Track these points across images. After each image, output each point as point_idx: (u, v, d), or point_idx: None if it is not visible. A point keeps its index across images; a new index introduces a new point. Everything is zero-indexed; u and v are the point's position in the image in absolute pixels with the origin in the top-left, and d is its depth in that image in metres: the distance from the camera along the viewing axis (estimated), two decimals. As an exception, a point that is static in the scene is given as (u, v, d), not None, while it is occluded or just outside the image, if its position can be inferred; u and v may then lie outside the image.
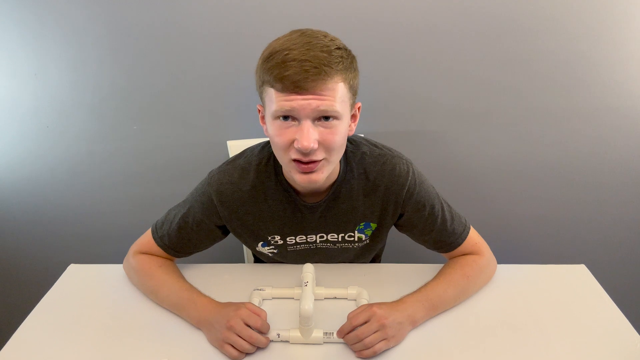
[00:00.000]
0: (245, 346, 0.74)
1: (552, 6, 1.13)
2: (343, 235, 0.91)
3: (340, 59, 0.68)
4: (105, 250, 1.53)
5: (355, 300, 0.87)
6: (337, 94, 0.69)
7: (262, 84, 0.72)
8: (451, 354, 0.76)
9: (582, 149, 1.33)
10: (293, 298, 0.88)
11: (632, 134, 1.30)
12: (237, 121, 1.30)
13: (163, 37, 1.18)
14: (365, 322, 0.75)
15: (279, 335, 0.78)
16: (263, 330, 0.77)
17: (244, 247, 1.35)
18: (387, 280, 0.93)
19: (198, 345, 0.79)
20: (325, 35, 0.70)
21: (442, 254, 0.94)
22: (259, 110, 0.79)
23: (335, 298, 0.88)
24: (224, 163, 0.89)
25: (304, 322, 0.75)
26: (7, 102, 1.27)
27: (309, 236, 0.91)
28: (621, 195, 1.40)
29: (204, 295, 0.84)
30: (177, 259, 0.96)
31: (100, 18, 1.15)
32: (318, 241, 0.92)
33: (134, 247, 0.94)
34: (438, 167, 1.36)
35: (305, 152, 0.70)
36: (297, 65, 0.65)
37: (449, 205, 0.91)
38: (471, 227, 0.92)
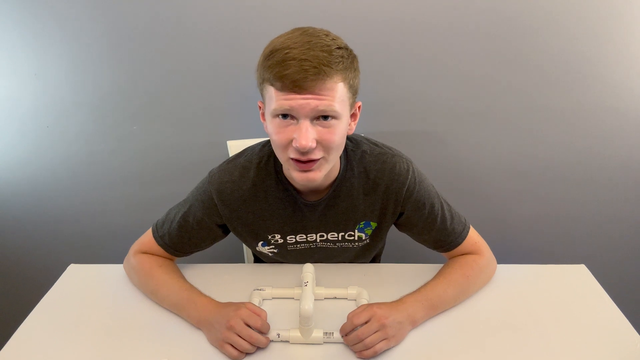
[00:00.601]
0: (246, 346, 0.74)
1: (552, 6, 1.13)
2: (343, 234, 0.91)
3: (341, 59, 0.68)
4: (105, 250, 1.53)
5: (355, 300, 0.87)
6: (336, 94, 0.69)
7: (262, 82, 0.72)
8: (451, 354, 0.76)
9: (582, 149, 1.33)
10: (293, 298, 0.88)
11: (633, 133, 1.30)
12: (237, 121, 1.30)
13: (163, 37, 1.18)
14: (366, 322, 0.75)
15: (279, 335, 0.78)
16: (263, 330, 0.77)
17: (244, 247, 1.35)
18: (387, 280, 0.93)
19: (198, 345, 0.79)
20: (327, 34, 0.70)
21: (441, 253, 0.94)
22: (260, 107, 0.79)
23: (335, 298, 0.88)
24: (224, 162, 0.89)
25: (304, 322, 0.75)
26: (7, 102, 1.27)
27: (309, 235, 0.91)
28: (621, 195, 1.40)
29: (204, 295, 0.84)
30: (177, 259, 0.96)
31: (100, 18, 1.15)
32: (318, 240, 0.92)
33: (135, 247, 0.94)
34: (438, 167, 1.36)
35: (303, 151, 0.70)
36: (296, 64, 0.66)
37: (448, 205, 0.91)
38: (471, 226, 0.92)
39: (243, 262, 1.39)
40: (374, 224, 0.90)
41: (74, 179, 1.40)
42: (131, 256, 0.93)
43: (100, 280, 0.95)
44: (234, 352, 0.74)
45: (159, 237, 0.91)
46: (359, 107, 0.80)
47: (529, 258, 1.53)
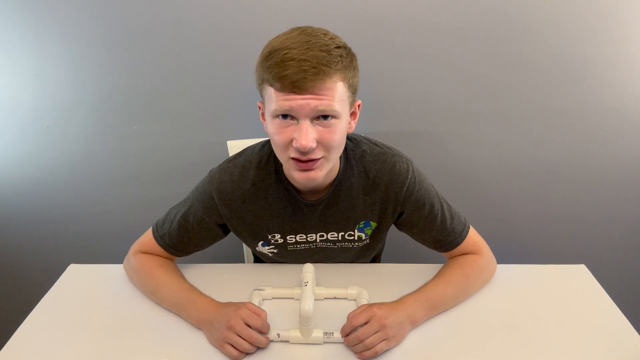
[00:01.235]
0: (246, 346, 0.74)
1: (552, 6, 1.13)
2: (343, 233, 0.91)
3: (340, 58, 0.68)
4: (105, 250, 1.53)
5: (355, 300, 0.87)
6: (335, 94, 0.69)
7: (261, 82, 0.72)
8: (451, 354, 0.76)
9: (582, 149, 1.33)
10: (293, 298, 0.88)
11: (633, 134, 1.30)
12: (237, 121, 1.30)
13: (163, 37, 1.18)
14: (366, 323, 0.75)
15: (279, 335, 0.78)
16: (263, 330, 0.77)
17: (244, 247, 1.35)
18: (387, 280, 0.93)
19: (198, 345, 0.78)
20: (325, 34, 0.70)
21: (441, 253, 0.94)
22: (260, 107, 0.79)
23: (335, 298, 0.88)
24: (224, 161, 0.89)
25: (304, 322, 0.75)
26: (7, 102, 1.27)
27: (309, 235, 0.91)
28: (621, 195, 1.40)
29: (204, 295, 0.84)
30: (177, 259, 0.96)
31: (100, 18, 1.15)
32: (318, 240, 0.92)
33: (135, 247, 0.94)
34: (438, 167, 1.36)
35: (304, 151, 0.70)
36: (295, 64, 0.65)
37: (448, 205, 0.91)
38: (471, 226, 0.92)
39: (243, 262, 1.39)
40: (373, 224, 0.90)
41: (74, 179, 1.40)
42: (131, 256, 0.93)
43: (100, 280, 0.95)
44: (234, 352, 0.74)
45: (159, 237, 0.91)
46: (358, 106, 0.80)
47: (529, 258, 1.53)
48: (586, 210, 1.44)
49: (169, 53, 1.20)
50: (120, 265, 0.96)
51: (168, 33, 1.17)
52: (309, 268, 0.84)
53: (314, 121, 0.70)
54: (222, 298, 0.84)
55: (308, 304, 0.74)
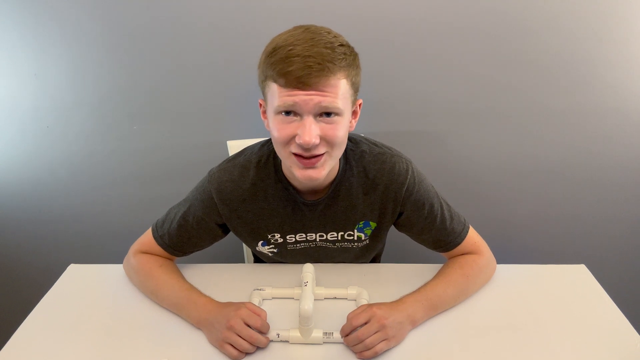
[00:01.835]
0: (245, 346, 0.74)
1: (552, 6, 1.13)
2: (342, 233, 0.91)
3: (344, 56, 0.69)
4: (105, 250, 1.53)
5: (355, 300, 0.87)
6: (339, 91, 0.69)
7: (264, 79, 0.72)
8: (451, 354, 0.76)
9: (582, 149, 1.33)
10: (293, 298, 0.88)
11: (633, 134, 1.30)
12: (237, 121, 1.30)
13: (163, 37, 1.18)
14: (366, 323, 0.75)
15: (278, 335, 0.78)
16: (263, 330, 0.77)
17: (244, 247, 1.35)
18: (387, 280, 0.93)
19: (198, 345, 0.79)
20: (329, 32, 0.70)
21: (441, 253, 0.94)
22: (261, 105, 0.79)
23: (335, 298, 0.88)
24: (224, 161, 0.89)
25: (304, 322, 0.75)
26: (7, 102, 1.27)
27: (308, 234, 0.91)
28: (621, 195, 1.40)
29: (204, 295, 0.84)
30: (177, 259, 0.96)
31: (100, 18, 1.15)
32: (318, 240, 0.92)
33: (135, 247, 0.94)
34: (438, 167, 1.36)
35: (307, 148, 0.70)
36: (300, 61, 0.66)
37: (448, 205, 0.91)
38: (470, 226, 0.92)
39: (243, 262, 1.39)
40: (373, 224, 0.90)
41: (74, 179, 1.40)
42: (131, 256, 0.93)
43: (100, 280, 0.95)
44: (234, 352, 0.74)
45: (158, 237, 0.91)
46: (359, 105, 0.80)
47: (529, 258, 1.53)
48: (586, 210, 1.44)
49: (169, 53, 1.20)
50: (120, 265, 0.96)
51: (168, 33, 1.17)
52: (308, 268, 0.84)
53: (317, 118, 0.70)
54: (222, 298, 0.84)
55: (308, 304, 0.74)
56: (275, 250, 0.94)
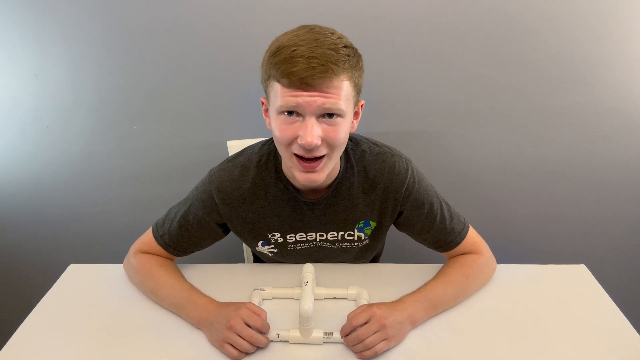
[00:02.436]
0: (246, 346, 0.74)
1: (552, 6, 1.13)
2: (342, 233, 0.91)
3: (347, 57, 0.69)
4: (105, 250, 1.53)
5: (355, 300, 0.87)
6: (342, 92, 0.69)
7: (267, 78, 0.72)
8: (451, 354, 0.76)
9: (582, 149, 1.33)
10: (293, 298, 0.88)
11: (633, 134, 1.30)
12: (237, 121, 1.30)
13: (163, 37, 1.18)
14: (366, 323, 0.75)
15: (278, 335, 0.78)
16: (263, 330, 0.77)
17: (244, 247, 1.35)
18: (387, 280, 0.93)
19: (198, 345, 0.79)
20: (333, 33, 0.70)
21: (441, 253, 0.94)
22: (263, 103, 0.79)
23: (335, 298, 0.88)
24: (224, 161, 0.89)
25: (304, 322, 0.75)
26: (7, 102, 1.27)
27: (309, 234, 0.91)
28: (621, 195, 1.40)
29: (204, 295, 0.84)
30: (177, 259, 0.96)
31: (100, 18, 1.15)
32: (318, 240, 0.92)
33: (135, 247, 0.94)
34: (438, 167, 1.36)
35: (308, 148, 0.70)
36: (304, 61, 0.66)
37: (447, 204, 0.91)
38: (470, 226, 0.92)
39: (243, 262, 1.39)
40: (373, 224, 0.90)
41: (74, 179, 1.40)
42: (131, 256, 0.93)
43: (100, 280, 0.95)
44: (234, 352, 0.74)
45: (159, 237, 0.91)
46: (361, 106, 0.80)
47: (529, 258, 1.53)
48: (586, 210, 1.44)
49: (169, 53, 1.20)
50: (120, 265, 0.96)
51: (168, 33, 1.17)
52: (308, 268, 0.84)
53: (319, 119, 0.70)
54: (222, 298, 0.84)
55: (308, 304, 0.74)
56: (275, 250, 0.94)
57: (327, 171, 0.76)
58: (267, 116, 0.78)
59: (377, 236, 0.93)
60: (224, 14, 1.15)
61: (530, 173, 1.38)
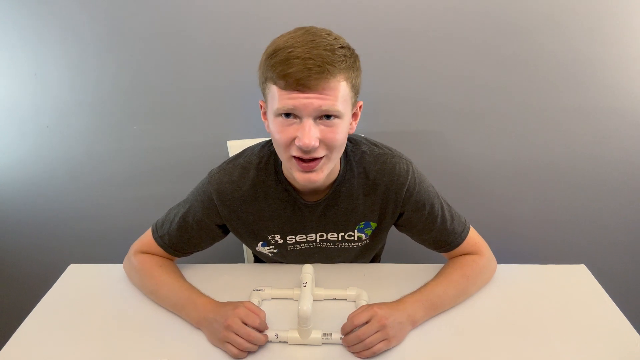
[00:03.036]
0: (244, 345, 0.74)
1: (552, 7, 1.13)
2: (343, 234, 0.91)
3: (344, 58, 0.68)
4: (105, 250, 1.53)
5: (355, 301, 0.87)
6: (339, 93, 0.69)
7: (264, 80, 0.72)
8: (451, 354, 0.76)
9: (582, 149, 1.33)
10: (292, 299, 0.88)
11: (632, 134, 1.30)
12: (237, 121, 1.30)
13: (163, 37, 1.18)
14: (366, 323, 0.75)
15: (277, 335, 0.78)
16: (261, 329, 0.77)
17: (244, 247, 1.35)
18: (387, 280, 0.93)
19: (198, 345, 0.79)
20: (329, 34, 0.70)
21: (442, 253, 0.94)
22: (261, 106, 0.79)
23: (335, 299, 0.88)
24: (224, 162, 0.89)
25: (303, 322, 0.75)
26: (7, 102, 1.27)
27: (309, 235, 0.91)
28: (621, 195, 1.40)
29: (204, 295, 0.84)
30: (177, 259, 0.96)
31: (100, 18, 1.15)
32: (318, 240, 0.92)
33: (135, 247, 0.94)
34: (438, 167, 1.36)
35: (306, 150, 0.70)
36: (300, 63, 0.65)
37: (448, 205, 0.91)
38: (471, 226, 0.92)
39: (243, 262, 1.39)
40: (373, 225, 0.90)
41: (74, 179, 1.40)
42: (131, 256, 0.93)
43: (100, 280, 0.95)
44: (235, 351, 0.74)
45: (158, 237, 0.91)
46: (360, 107, 0.80)
47: (529, 258, 1.53)
48: (586, 210, 1.44)
49: (170, 53, 1.20)
50: (120, 265, 0.96)
51: (168, 33, 1.17)
52: (308, 269, 0.84)
53: (317, 120, 0.70)
54: (222, 298, 0.84)
55: (306, 305, 0.74)
56: (275, 251, 0.94)
57: (326, 171, 0.75)
58: (266, 119, 0.78)
59: (377, 236, 0.93)
60: (225, 14, 1.15)
61: (530, 173, 1.38)
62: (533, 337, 0.79)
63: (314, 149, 0.70)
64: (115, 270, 0.97)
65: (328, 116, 0.70)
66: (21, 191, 1.43)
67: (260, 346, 0.77)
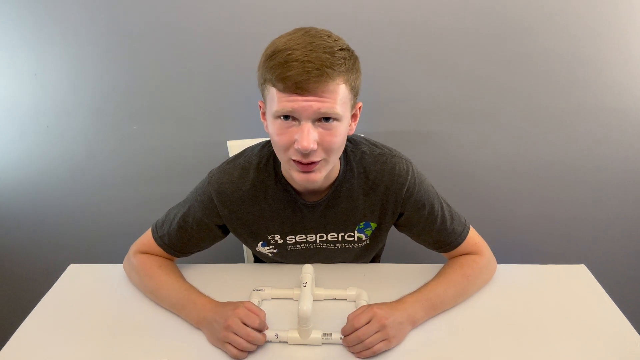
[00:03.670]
0: (244, 345, 0.74)
1: (552, 6, 1.13)
2: (343, 234, 0.91)
3: (343, 61, 0.68)
4: (105, 250, 1.53)
5: (355, 301, 0.87)
6: (338, 96, 0.68)
7: (263, 82, 0.71)
8: (451, 354, 0.76)
9: (582, 149, 1.33)
10: (292, 299, 0.88)
11: (633, 134, 1.30)
12: (237, 121, 1.30)
13: (163, 37, 1.18)
14: (367, 323, 0.75)
15: (277, 335, 0.78)
16: (261, 329, 0.77)
17: (244, 247, 1.35)
18: (387, 280, 0.93)
19: (198, 345, 0.79)
20: (329, 35, 0.70)
21: (442, 253, 0.94)
22: (260, 107, 0.79)
23: (335, 299, 0.88)
24: (224, 162, 0.89)
25: (303, 323, 0.75)
26: (7, 102, 1.27)
27: (308, 235, 0.91)
28: (621, 195, 1.40)
29: (204, 295, 0.84)
30: (177, 259, 0.96)
31: (99, 18, 1.15)
32: (318, 241, 0.92)
33: (134, 247, 0.94)
34: (438, 167, 1.36)
35: (305, 153, 0.70)
36: (299, 66, 0.65)
37: (448, 205, 0.91)
38: (471, 226, 0.92)
39: (243, 262, 1.39)
40: (373, 225, 0.90)
41: (74, 179, 1.40)
42: (131, 256, 0.93)
43: (100, 280, 0.95)
44: (235, 351, 0.74)
45: (158, 238, 0.91)
46: (359, 108, 0.80)
47: (529, 258, 1.53)
48: (586, 210, 1.44)
49: (169, 53, 1.20)
50: (120, 265, 0.96)
51: (168, 33, 1.17)
52: (308, 269, 0.84)
53: (316, 123, 0.70)
54: (222, 298, 0.84)
55: (306, 305, 0.74)
56: (275, 251, 0.94)
57: (324, 171, 0.75)
58: (265, 119, 0.78)
59: (377, 237, 0.93)
60: (224, 14, 1.15)
61: (530, 173, 1.38)
62: (533, 337, 0.79)
63: (313, 152, 0.70)
64: (115, 270, 0.97)
65: (327, 119, 0.69)
66: (21, 191, 1.43)
67: (260, 346, 0.77)
